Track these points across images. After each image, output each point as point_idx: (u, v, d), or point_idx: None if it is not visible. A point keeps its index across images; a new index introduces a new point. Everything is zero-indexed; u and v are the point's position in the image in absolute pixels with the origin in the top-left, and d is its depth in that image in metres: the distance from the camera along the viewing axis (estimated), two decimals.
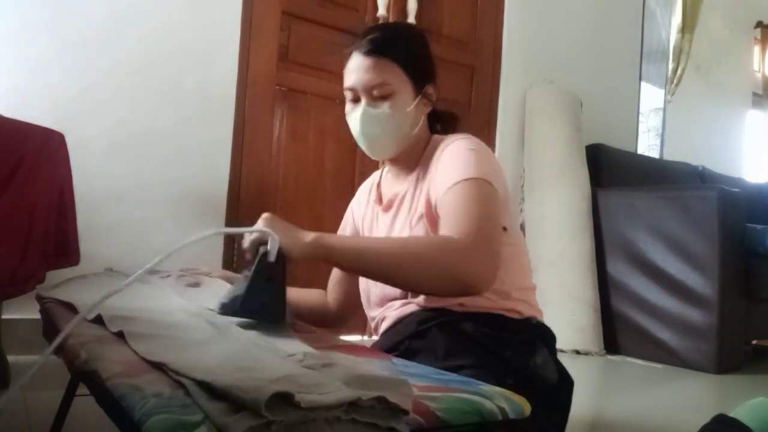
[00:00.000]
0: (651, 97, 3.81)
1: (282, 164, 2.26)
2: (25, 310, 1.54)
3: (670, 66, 3.81)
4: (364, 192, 1.29)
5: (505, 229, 1.04)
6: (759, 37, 4.80)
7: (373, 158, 1.16)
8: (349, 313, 1.33)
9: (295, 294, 1.38)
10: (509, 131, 2.86)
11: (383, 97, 1.06)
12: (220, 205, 2.04)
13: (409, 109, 1.08)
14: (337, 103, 2.40)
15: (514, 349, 0.98)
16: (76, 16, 1.80)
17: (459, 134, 1.11)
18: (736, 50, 4.53)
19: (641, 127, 3.72)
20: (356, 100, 1.09)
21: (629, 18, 3.56)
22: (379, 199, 1.21)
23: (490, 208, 0.97)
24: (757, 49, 4.83)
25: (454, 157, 1.04)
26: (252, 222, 0.89)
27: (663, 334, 2.47)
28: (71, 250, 1.38)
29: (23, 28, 1.73)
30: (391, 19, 2.43)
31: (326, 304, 1.33)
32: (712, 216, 2.38)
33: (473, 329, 0.99)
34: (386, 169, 1.24)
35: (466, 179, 0.98)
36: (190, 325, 0.76)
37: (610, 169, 2.99)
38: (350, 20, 2.44)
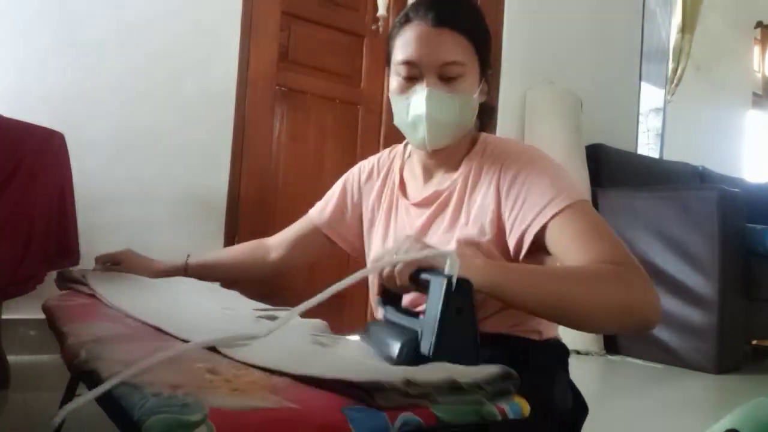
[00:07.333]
0: (651, 97, 3.81)
1: (282, 164, 2.26)
2: (25, 310, 1.54)
3: (670, 66, 3.81)
4: (376, 170, 1.12)
5: None
6: (759, 37, 4.80)
7: (426, 149, 0.95)
8: (288, 270, 1.26)
9: (228, 252, 1.35)
10: (509, 131, 2.86)
11: (452, 78, 0.89)
12: (220, 205, 2.04)
13: (475, 95, 0.93)
14: (337, 103, 2.40)
15: (532, 372, 0.88)
16: (76, 16, 1.80)
17: (511, 141, 0.96)
18: (736, 50, 4.53)
19: (641, 127, 3.72)
20: (412, 78, 0.91)
21: (629, 18, 3.56)
22: (403, 188, 1.05)
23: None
24: (757, 49, 4.83)
25: (534, 182, 0.86)
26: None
27: (663, 334, 2.47)
28: (71, 250, 1.38)
29: (23, 28, 1.73)
30: (391, 20, 2.36)
31: (264, 257, 1.23)
32: (712, 216, 2.38)
33: (489, 353, 0.91)
34: (408, 153, 1.07)
35: (570, 205, 0.82)
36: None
37: (610, 169, 2.99)
38: (350, 20, 2.44)
